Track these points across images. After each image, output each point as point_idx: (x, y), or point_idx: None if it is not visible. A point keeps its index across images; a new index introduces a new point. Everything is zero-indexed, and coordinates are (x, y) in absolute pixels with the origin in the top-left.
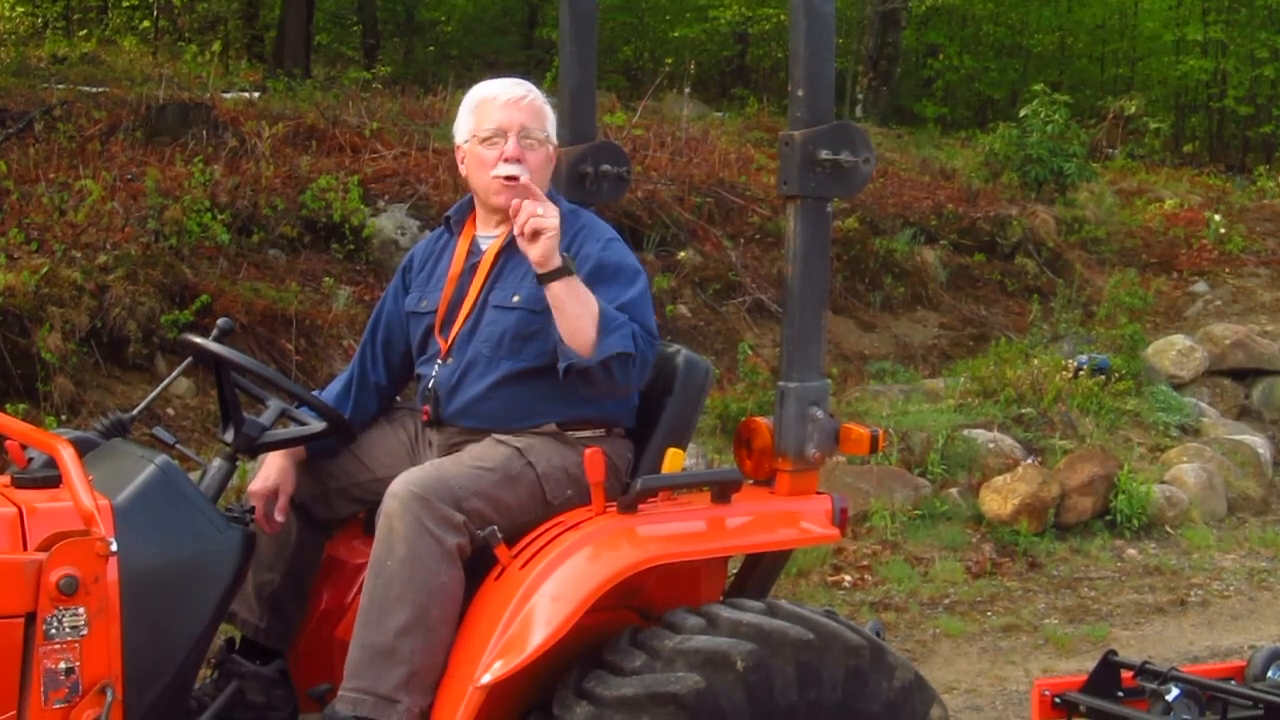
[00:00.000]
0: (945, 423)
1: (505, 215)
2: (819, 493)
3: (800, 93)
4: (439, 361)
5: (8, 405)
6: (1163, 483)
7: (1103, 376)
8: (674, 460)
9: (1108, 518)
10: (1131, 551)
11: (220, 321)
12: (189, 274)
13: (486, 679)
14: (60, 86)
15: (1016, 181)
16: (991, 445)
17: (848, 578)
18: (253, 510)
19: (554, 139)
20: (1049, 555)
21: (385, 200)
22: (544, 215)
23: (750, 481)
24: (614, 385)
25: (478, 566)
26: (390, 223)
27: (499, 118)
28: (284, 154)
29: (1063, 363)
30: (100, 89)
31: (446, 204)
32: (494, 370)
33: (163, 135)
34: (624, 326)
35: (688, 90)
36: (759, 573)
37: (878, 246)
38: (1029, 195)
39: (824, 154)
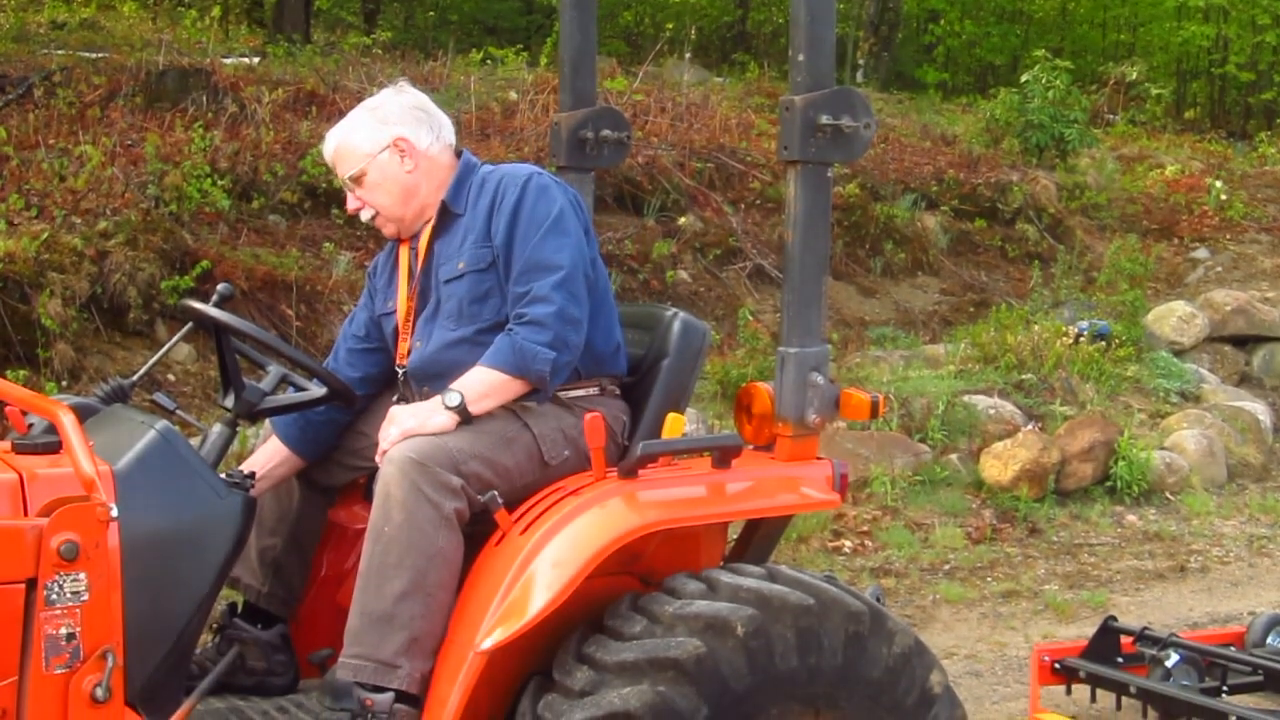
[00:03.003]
0: (945, 389)
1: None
2: (819, 458)
3: (801, 58)
4: (407, 355)
5: (8, 371)
6: (1163, 449)
7: (1103, 343)
8: (674, 425)
9: (1108, 484)
10: (1131, 518)
11: (220, 287)
12: (189, 240)
13: (487, 645)
14: (60, 52)
15: (1017, 147)
16: (992, 411)
17: (848, 543)
18: (253, 476)
19: (379, 145)
20: (1049, 521)
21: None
22: (389, 441)
23: (750, 447)
24: (565, 370)
25: (478, 532)
26: None
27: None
28: (284, 120)
29: (1063, 329)
30: (100, 54)
31: None
32: (461, 339)
33: (162, 101)
34: (527, 348)
35: (688, 55)
36: (759, 538)
37: (878, 212)
38: (1030, 161)
39: (825, 119)
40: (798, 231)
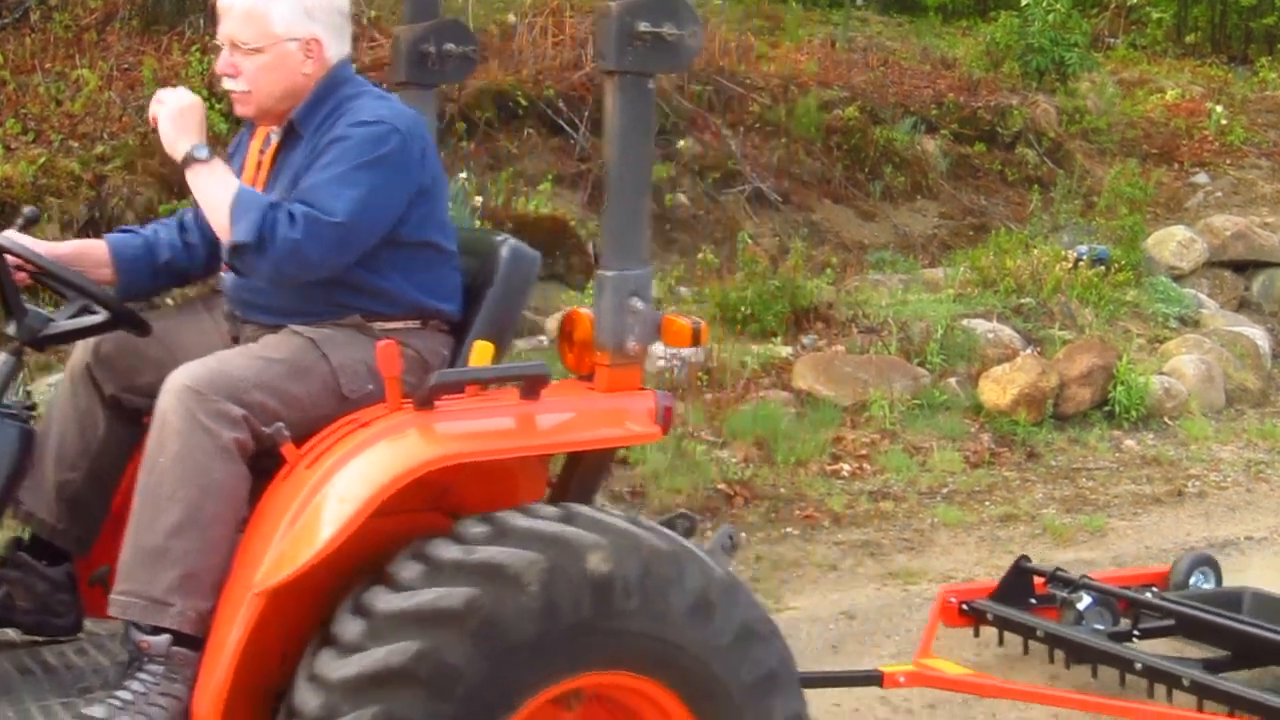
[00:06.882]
0: (944, 313)
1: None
2: (642, 389)
3: None
4: (229, 267)
5: None
6: (1161, 374)
7: (1102, 267)
8: (482, 353)
9: (1106, 408)
10: (1129, 442)
11: (26, 210)
12: None
13: (265, 584)
14: None
15: (1018, 71)
16: (990, 335)
17: (846, 467)
18: (34, 407)
19: (292, 33)
20: (1047, 445)
21: (384, 88)
22: (161, 103)
23: (562, 377)
24: (254, 271)
25: (269, 466)
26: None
27: (220, 28)
28: None
29: (1062, 253)
30: None
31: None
32: None
33: (159, 24)
34: (251, 214)
35: None
36: (581, 473)
37: (878, 136)
38: (1030, 85)
39: (644, 26)
40: (616, 146)
